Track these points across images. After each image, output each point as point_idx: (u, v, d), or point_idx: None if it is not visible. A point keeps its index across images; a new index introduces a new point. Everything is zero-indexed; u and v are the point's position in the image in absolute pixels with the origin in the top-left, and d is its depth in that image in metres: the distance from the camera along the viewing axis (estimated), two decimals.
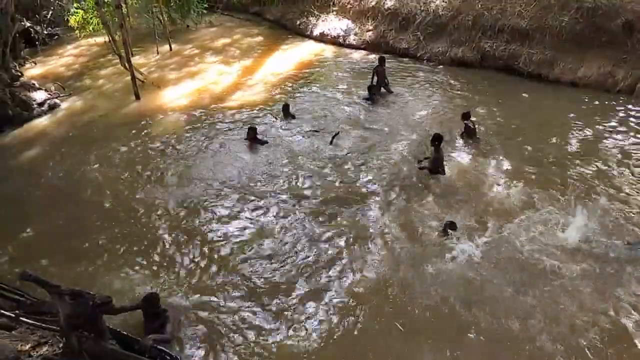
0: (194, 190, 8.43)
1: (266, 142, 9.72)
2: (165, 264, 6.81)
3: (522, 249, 6.53)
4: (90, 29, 16.29)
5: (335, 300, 6.02)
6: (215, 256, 6.90)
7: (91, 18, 16.02)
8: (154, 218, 7.78)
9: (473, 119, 9.53)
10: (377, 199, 7.90)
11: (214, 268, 6.69)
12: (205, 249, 7.04)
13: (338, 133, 9.70)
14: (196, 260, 6.85)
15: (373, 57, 11.62)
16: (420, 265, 6.43)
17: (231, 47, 16.04)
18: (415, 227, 7.14)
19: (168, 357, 4.81)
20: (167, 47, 16.00)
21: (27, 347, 4.57)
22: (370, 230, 7.19)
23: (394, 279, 6.28)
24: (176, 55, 15.64)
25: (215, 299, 6.12)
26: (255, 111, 11.24)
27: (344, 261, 6.64)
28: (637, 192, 7.54)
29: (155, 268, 6.73)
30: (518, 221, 7.03)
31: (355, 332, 5.59)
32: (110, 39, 14.13)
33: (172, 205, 8.03)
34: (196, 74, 14.02)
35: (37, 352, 4.55)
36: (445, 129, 9.62)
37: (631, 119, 9.76)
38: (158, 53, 15.68)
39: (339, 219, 7.47)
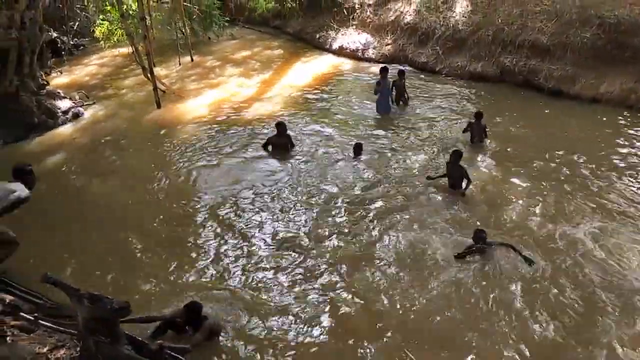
0: (218, 196, 8.49)
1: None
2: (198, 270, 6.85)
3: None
4: (115, 40, 16.69)
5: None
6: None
7: (116, 29, 16.42)
8: (179, 224, 7.82)
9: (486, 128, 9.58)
10: (395, 213, 7.85)
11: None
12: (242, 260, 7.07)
13: (360, 145, 9.68)
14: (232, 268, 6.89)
15: (391, 69, 11.61)
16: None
17: (251, 60, 16.27)
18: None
19: None
20: (188, 58, 16.27)
21: (45, 349, 4.63)
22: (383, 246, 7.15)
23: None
24: (197, 67, 15.91)
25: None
26: (271, 122, 11.33)
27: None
28: None
29: (191, 274, 6.77)
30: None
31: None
32: (134, 50, 14.43)
33: (199, 210, 8.11)
34: (216, 85, 14.23)
35: (54, 355, 4.60)
36: (462, 144, 9.61)
37: None
38: (180, 64, 15.96)
39: (358, 231, 7.45)
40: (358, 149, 9.51)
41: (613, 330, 5.41)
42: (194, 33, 17.95)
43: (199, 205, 8.28)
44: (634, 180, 8.27)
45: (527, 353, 5.24)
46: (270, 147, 9.91)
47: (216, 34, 18.36)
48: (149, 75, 12.76)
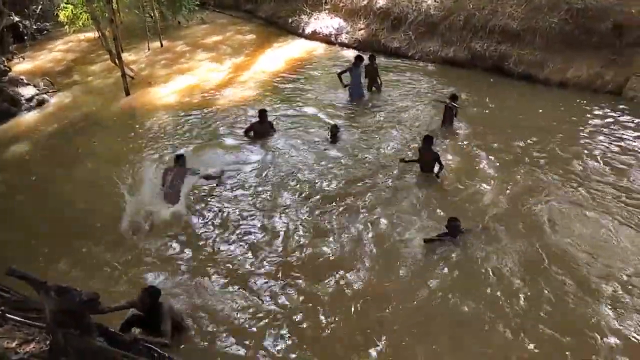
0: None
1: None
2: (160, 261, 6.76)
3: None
4: (80, 24, 16.14)
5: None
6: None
7: (81, 13, 15.86)
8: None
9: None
10: (368, 197, 7.88)
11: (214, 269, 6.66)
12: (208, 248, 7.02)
13: (337, 128, 9.68)
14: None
15: (364, 57, 11.61)
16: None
17: (222, 45, 15.99)
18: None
19: (156, 355, 4.75)
20: (157, 43, 15.90)
21: (14, 344, 4.51)
22: (360, 229, 7.19)
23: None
24: (167, 52, 15.56)
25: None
26: (246, 108, 11.21)
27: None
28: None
29: (158, 263, 6.70)
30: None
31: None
32: (100, 34, 14.02)
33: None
34: (187, 70, 13.97)
35: (23, 349, 4.49)
36: (436, 128, 9.70)
37: (619, 119, 9.82)
38: (149, 49, 15.59)
39: (333, 217, 7.46)
40: (335, 131, 9.54)
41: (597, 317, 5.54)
42: (163, 17, 17.53)
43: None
44: (600, 160, 8.47)
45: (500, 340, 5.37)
46: (252, 134, 9.83)
47: (186, 18, 17.95)
48: (116, 60, 12.48)
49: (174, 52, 15.48)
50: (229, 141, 9.81)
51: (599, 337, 5.19)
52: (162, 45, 15.87)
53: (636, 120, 9.64)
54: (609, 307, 5.56)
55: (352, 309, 5.79)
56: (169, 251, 6.94)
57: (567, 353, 5.06)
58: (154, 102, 11.95)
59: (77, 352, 4.14)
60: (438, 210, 7.41)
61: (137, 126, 10.71)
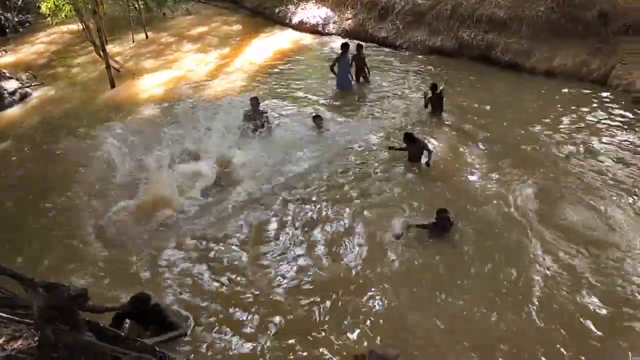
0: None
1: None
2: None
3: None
4: (63, 15, 15.81)
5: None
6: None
7: (63, 5, 15.57)
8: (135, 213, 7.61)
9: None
10: (356, 188, 7.88)
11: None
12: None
13: (320, 118, 9.66)
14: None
15: (352, 45, 11.55)
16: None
17: (208, 36, 15.83)
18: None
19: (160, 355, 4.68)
20: (142, 35, 15.69)
21: (1, 340, 4.47)
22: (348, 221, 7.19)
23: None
24: (152, 44, 15.37)
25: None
26: (234, 99, 11.11)
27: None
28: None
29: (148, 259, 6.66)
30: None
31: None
32: (84, 26, 13.79)
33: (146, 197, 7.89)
34: (173, 62, 13.81)
35: (11, 345, 4.45)
36: (423, 117, 9.72)
37: (603, 106, 9.90)
38: (134, 41, 15.38)
39: (321, 209, 7.45)
40: (318, 122, 9.52)
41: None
42: (148, 8, 17.24)
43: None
44: (582, 148, 8.57)
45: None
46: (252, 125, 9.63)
47: (171, 9, 17.69)
48: (101, 52, 12.31)
49: (159, 44, 15.30)
50: (217, 132, 9.70)
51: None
52: (147, 36, 15.66)
53: (621, 108, 9.72)
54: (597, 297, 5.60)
55: (335, 297, 5.82)
56: (160, 245, 6.90)
57: (557, 346, 5.12)
58: (139, 95, 11.81)
59: (67, 347, 4.11)
60: (427, 201, 7.41)
61: (122, 118, 10.56)
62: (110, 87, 12.01)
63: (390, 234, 6.70)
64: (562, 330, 5.23)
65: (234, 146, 8.97)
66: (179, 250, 6.79)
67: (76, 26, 15.78)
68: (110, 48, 13.72)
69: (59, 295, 4.13)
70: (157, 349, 4.63)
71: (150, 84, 12.36)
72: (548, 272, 5.97)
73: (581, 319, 5.33)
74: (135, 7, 16.16)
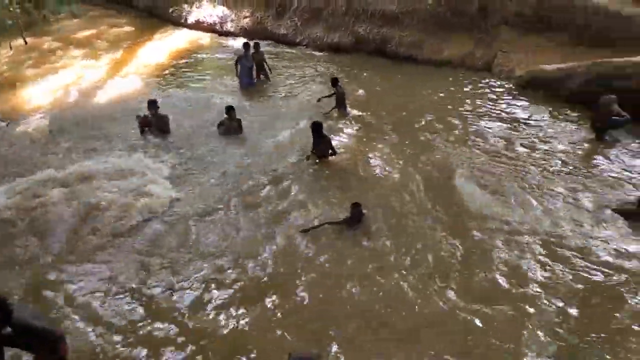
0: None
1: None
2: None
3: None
4: None
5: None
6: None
7: None
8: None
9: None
10: (269, 190, 7.79)
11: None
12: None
13: (232, 108, 9.41)
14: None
15: (250, 44, 11.41)
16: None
17: (98, 39, 14.91)
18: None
19: None
20: (21, 41, 14.35)
21: None
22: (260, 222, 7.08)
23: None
24: (33, 50, 14.14)
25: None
26: (129, 104, 10.53)
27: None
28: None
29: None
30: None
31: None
32: None
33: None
34: (60, 69, 12.83)
35: None
36: (329, 112, 9.86)
37: (490, 91, 10.67)
38: (11, 48, 14.03)
39: (231, 212, 7.26)
40: (232, 113, 9.31)
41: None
42: (26, 11, 15.81)
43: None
44: (476, 127, 9.18)
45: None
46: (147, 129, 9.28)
47: (53, 12, 16.38)
48: None
49: (41, 50, 14.10)
50: (113, 137, 9.16)
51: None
52: (26, 42, 14.37)
53: (504, 92, 10.55)
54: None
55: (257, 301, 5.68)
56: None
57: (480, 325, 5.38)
58: (23, 106, 10.81)
59: None
60: (339, 196, 7.42)
61: (6, 134, 9.59)
62: None
63: (302, 231, 6.66)
64: (485, 309, 5.33)
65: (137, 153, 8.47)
66: None
67: None
68: None
69: None
70: None
71: (35, 93, 11.37)
72: (459, 253, 6.20)
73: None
74: (10, 10, 14.73)
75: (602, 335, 4.87)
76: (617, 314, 5.10)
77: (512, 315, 5.21)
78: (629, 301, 5.21)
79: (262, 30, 14.64)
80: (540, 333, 4.92)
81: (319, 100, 8.48)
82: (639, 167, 7.60)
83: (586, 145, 8.43)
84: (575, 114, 9.32)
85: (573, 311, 5.16)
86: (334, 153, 8.33)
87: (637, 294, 5.30)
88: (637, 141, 8.26)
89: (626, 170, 7.54)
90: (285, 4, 14.65)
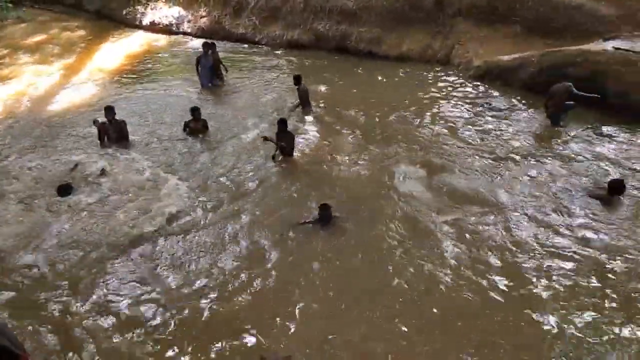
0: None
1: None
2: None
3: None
4: None
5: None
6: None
7: None
8: None
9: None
10: (235, 190, 7.68)
11: None
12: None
13: (197, 109, 9.32)
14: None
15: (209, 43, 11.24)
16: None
17: (48, 44, 14.34)
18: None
19: None
20: None
21: None
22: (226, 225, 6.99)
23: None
24: None
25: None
26: (84, 111, 10.20)
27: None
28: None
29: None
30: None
31: None
32: None
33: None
34: (7, 77, 12.29)
35: None
36: (293, 111, 9.83)
37: (449, 82, 10.89)
38: None
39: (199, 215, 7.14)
40: (197, 114, 9.21)
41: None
42: None
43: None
44: (439, 118, 9.37)
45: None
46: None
47: None
48: None
49: None
50: (70, 147, 8.84)
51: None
52: None
53: (463, 83, 10.78)
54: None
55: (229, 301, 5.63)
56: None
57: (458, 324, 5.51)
58: None
59: None
60: (307, 196, 7.39)
61: None
62: None
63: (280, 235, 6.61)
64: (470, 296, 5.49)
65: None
66: None
67: None
68: None
69: None
70: None
71: None
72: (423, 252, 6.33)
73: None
74: None
75: None
76: None
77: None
78: None
79: (220, 30, 14.43)
80: None
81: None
82: (593, 151, 8.00)
83: (543, 130, 8.78)
84: (531, 101, 9.64)
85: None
86: (291, 152, 8.31)
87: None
88: (588, 126, 8.64)
89: (584, 153, 7.96)
90: (242, 2, 14.47)
